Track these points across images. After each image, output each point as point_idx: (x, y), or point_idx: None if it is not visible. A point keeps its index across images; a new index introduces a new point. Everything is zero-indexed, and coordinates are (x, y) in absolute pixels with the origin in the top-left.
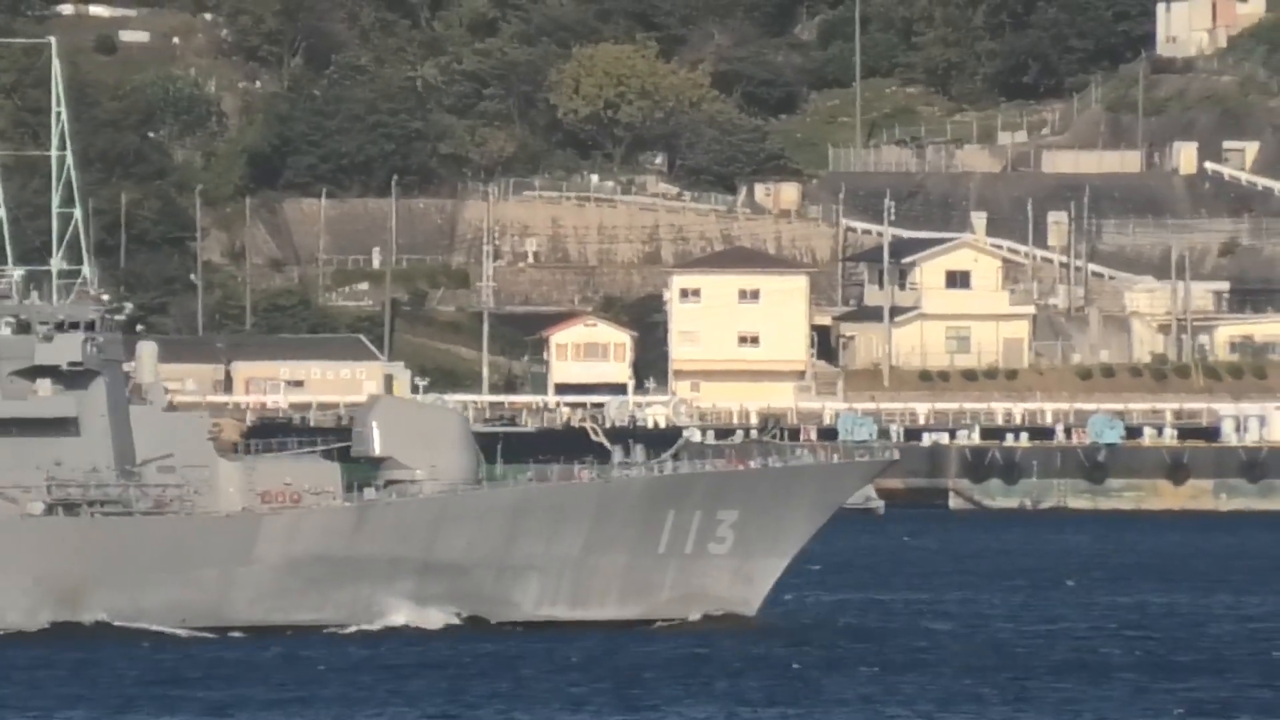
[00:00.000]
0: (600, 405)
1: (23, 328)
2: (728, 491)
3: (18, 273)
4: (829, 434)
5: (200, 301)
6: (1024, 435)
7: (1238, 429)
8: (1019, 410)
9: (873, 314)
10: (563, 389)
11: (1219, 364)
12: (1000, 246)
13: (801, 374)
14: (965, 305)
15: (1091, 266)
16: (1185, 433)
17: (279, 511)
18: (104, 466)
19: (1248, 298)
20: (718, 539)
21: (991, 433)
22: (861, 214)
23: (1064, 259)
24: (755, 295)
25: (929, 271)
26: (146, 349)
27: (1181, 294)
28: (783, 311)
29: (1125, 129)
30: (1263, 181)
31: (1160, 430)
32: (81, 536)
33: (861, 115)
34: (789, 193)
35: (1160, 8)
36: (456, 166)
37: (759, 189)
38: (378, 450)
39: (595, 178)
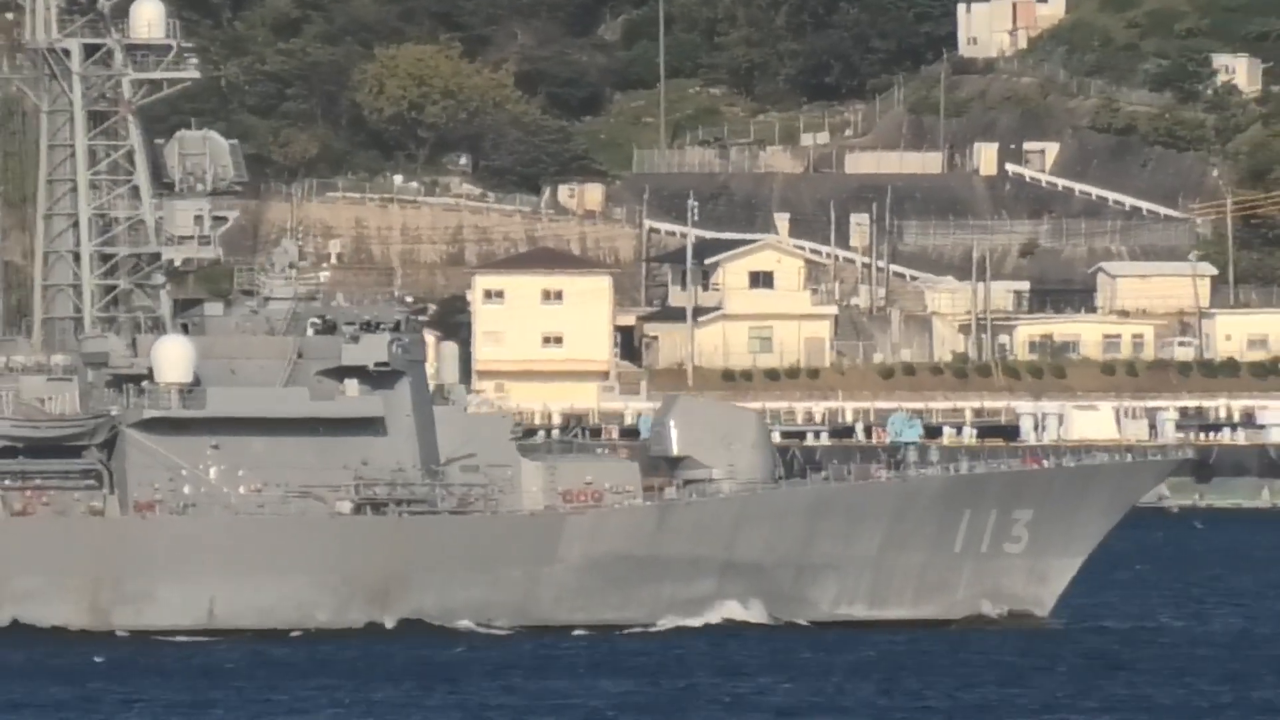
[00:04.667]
0: None
1: (329, 328)
2: (1023, 491)
3: (323, 274)
4: (631, 434)
5: (0, 303)
6: (824, 434)
7: (1036, 427)
8: (820, 409)
9: (676, 314)
10: None
11: (1019, 363)
12: (803, 247)
13: (605, 374)
14: (768, 305)
15: (893, 267)
16: (984, 431)
17: (582, 511)
18: (409, 466)
19: (1047, 298)
20: (1013, 538)
21: (793, 432)
22: (665, 215)
23: (866, 259)
24: (559, 296)
25: (732, 272)
26: (449, 350)
27: (982, 294)
28: (587, 312)
29: (927, 130)
30: (1062, 183)
31: (959, 429)
32: (389, 536)
33: (665, 116)
34: (593, 194)
35: (961, 9)
36: (259, 167)
37: (563, 190)
38: (675, 450)
39: (399, 179)
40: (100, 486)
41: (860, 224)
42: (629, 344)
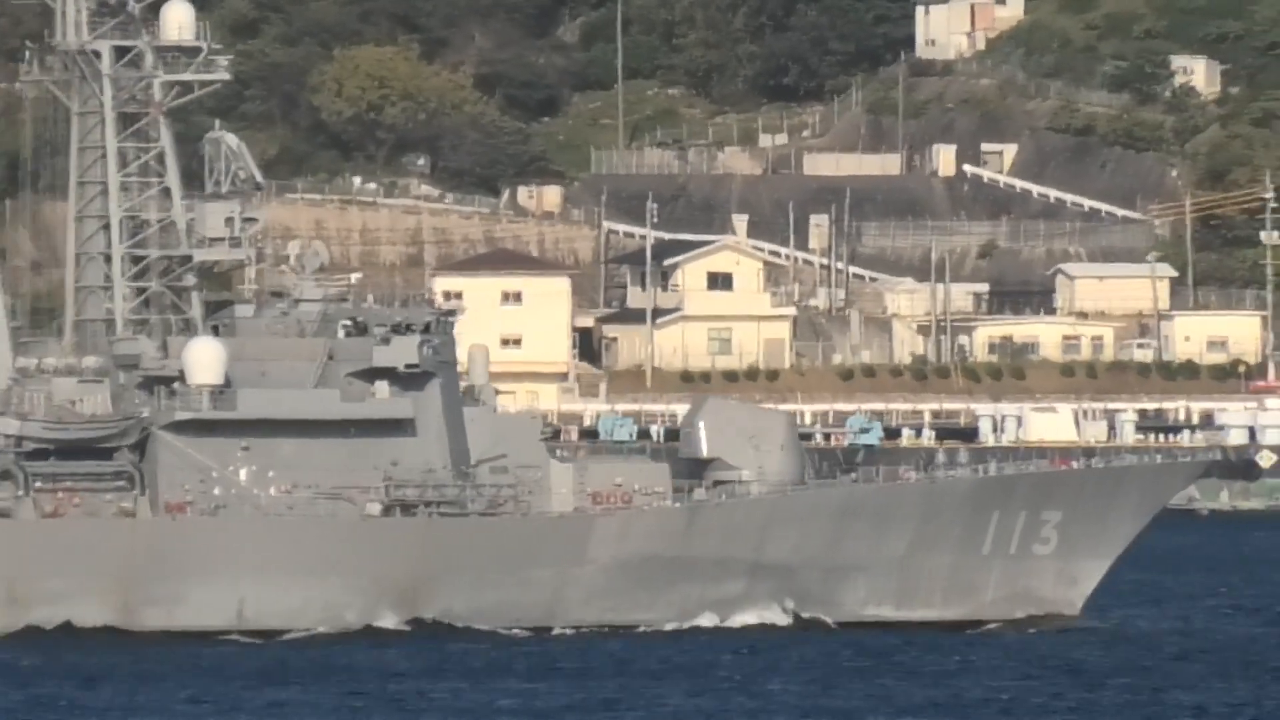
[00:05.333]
0: None
1: (359, 330)
2: (1052, 492)
3: (355, 276)
4: (590, 435)
5: None
6: None
7: (995, 429)
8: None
9: (635, 315)
10: None
11: (978, 365)
12: (762, 249)
13: (564, 375)
14: (727, 307)
15: (852, 268)
16: (943, 433)
17: (611, 512)
18: (440, 467)
19: (1006, 299)
20: (1042, 540)
21: None
22: (624, 216)
23: (825, 261)
24: (518, 297)
25: (691, 273)
26: (479, 352)
27: (941, 296)
28: (545, 313)
29: (885, 131)
30: (1021, 184)
31: (919, 431)
32: (419, 537)
33: (623, 117)
34: (551, 195)
35: (919, 11)
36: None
37: (522, 191)
38: (705, 451)
39: (358, 180)
40: (131, 488)
41: (819, 225)
42: (588, 345)
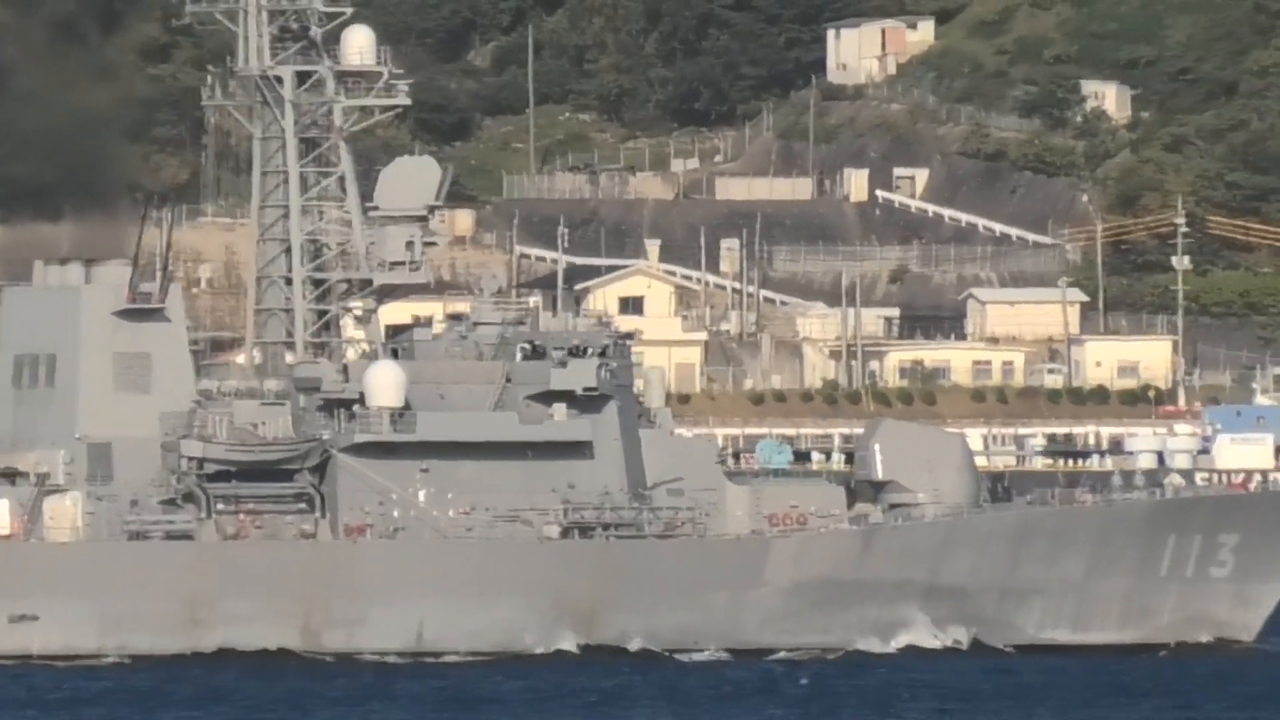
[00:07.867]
0: None
1: (537, 353)
2: (1229, 515)
3: (533, 299)
4: None
5: None
6: None
7: None
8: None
9: None
10: None
11: (889, 389)
12: (673, 273)
13: None
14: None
15: (764, 293)
16: (853, 457)
17: (788, 534)
18: (616, 490)
19: (917, 324)
20: (1219, 563)
21: None
22: (536, 241)
23: (736, 285)
24: (429, 323)
25: (603, 298)
26: (654, 375)
27: (852, 320)
28: None
29: (797, 156)
30: (932, 209)
31: (829, 455)
32: (597, 559)
33: (535, 142)
34: (463, 219)
35: (830, 35)
36: (129, 193)
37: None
38: (880, 474)
39: None
40: (312, 510)
41: (730, 250)
42: None
